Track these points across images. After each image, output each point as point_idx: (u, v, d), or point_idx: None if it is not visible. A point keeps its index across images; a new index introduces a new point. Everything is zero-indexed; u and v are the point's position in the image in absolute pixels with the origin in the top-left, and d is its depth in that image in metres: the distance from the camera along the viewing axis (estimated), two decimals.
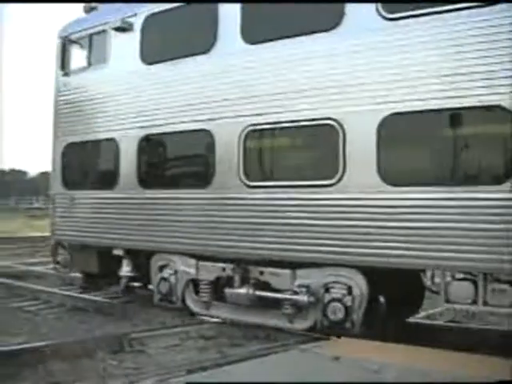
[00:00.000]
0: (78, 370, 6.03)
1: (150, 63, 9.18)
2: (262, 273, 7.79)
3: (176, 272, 8.68)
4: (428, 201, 6.41)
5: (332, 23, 7.21)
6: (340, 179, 7.00)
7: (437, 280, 6.95)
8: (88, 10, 10.93)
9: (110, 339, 7.11)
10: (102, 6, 10.75)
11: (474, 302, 6.26)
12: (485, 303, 6.20)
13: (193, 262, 8.46)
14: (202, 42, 8.52)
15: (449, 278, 6.46)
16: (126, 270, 9.45)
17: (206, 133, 8.31)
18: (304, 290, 7.26)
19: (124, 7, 9.72)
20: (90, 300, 9.90)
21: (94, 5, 10.90)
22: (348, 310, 6.99)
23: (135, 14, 9.42)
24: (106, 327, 8.32)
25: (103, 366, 6.12)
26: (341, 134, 6.99)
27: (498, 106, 5.98)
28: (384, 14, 6.82)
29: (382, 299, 7.42)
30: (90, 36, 10.27)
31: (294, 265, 7.47)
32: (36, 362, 6.10)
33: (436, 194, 6.37)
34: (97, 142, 10.11)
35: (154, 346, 7.00)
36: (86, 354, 6.54)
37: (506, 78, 5.94)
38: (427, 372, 5.30)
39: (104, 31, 9.91)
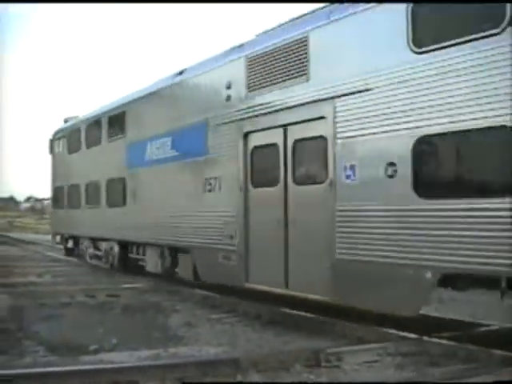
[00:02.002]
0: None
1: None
2: None
3: None
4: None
5: None
6: None
7: None
8: (66, 121, 20.99)
9: (306, 353, 7.00)
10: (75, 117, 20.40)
11: None
12: None
13: None
14: None
15: None
16: None
17: None
18: None
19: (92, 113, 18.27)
20: (287, 314, 9.92)
21: (69, 117, 20.93)
22: None
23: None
24: (302, 341, 8.23)
25: (299, 381, 6.02)
26: None
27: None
28: None
29: None
30: (66, 135, 20.27)
31: None
32: (233, 373, 6.19)
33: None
34: (72, 185, 19.33)
35: (350, 362, 6.74)
36: (282, 367, 6.51)
37: None
38: None
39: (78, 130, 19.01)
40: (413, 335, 7.76)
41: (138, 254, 14.88)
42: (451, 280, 7.24)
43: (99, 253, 17.37)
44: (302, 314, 9.67)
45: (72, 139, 19.40)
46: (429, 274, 7.24)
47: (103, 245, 16.97)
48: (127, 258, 15.49)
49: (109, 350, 7.68)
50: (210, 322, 9.75)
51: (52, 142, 21.59)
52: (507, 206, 6.43)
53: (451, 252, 6.95)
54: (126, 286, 13.44)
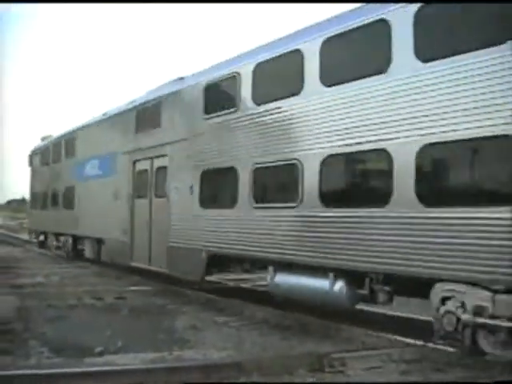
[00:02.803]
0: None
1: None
2: None
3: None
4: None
5: None
6: None
7: None
8: (42, 139, 25.88)
9: (310, 357, 6.99)
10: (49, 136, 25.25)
11: None
12: None
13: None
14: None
15: None
16: None
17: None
18: None
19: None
20: (292, 318, 9.93)
21: (45, 136, 25.47)
22: None
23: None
24: (307, 345, 8.21)
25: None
26: None
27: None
28: None
29: None
30: (40, 152, 25.33)
31: None
32: (236, 376, 6.19)
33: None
34: (43, 192, 24.75)
35: (354, 367, 6.72)
36: (286, 371, 6.50)
37: None
38: None
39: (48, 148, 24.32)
40: (418, 342, 7.74)
41: (82, 245, 19.95)
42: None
43: (60, 244, 22.41)
44: (309, 318, 9.69)
45: (43, 155, 25.00)
46: (203, 254, 11.96)
47: (62, 238, 22.14)
48: (77, 248, 20.71)
49: (114, 352, 7.70)
50: (215, 325, 9.76)
51: (30, 156, 27.06)
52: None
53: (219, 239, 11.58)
54: (133, 288, 13.51)
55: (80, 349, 7.68)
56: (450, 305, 7.26)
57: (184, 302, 12.04)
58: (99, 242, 17.86)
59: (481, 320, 6.91)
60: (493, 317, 6.80)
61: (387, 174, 8.11)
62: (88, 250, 19.00)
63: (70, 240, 21.07)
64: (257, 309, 10.85)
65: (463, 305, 7.12)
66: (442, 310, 7.34)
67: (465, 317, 7.06)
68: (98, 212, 17.62)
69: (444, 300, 7.37)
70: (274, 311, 10.47)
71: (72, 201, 20.45)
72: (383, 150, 8.20)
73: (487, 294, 6.84)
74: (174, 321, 10.03)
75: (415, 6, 7.90)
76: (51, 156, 23.73)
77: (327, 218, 9.06)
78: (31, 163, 26.93)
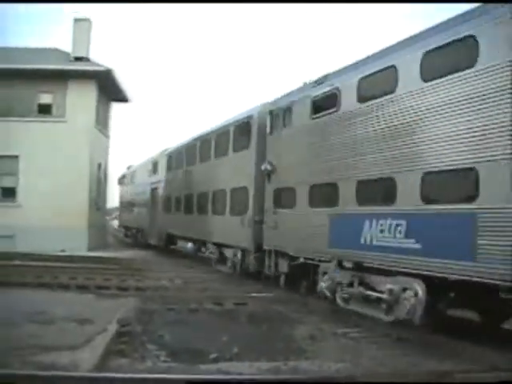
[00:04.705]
0: None
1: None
2: None
3: None
4: None
5: None
6: None
7: None
8: (128, 168, 42.24)
9: (430, 376, 6.40)
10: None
11: None
12: None
13: None
14: None
15: None
16: None
17: None
18: None
19: None
20: (415, 332, 9.29)
21: (130, 165, 41.33)
22: None
23: None
24: (430, 363, 7.63)
25: None
26: None
27: None
28: None
29: None
30: (125, 177, 42.03)
31: None
32: None
33: None
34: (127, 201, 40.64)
35: None
36: None
37: None
38: None
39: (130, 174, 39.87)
40: None
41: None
42: None
43: (137, 234, 33.72)
44: (435, 335, 9.02)
45: (126, 179, 40.34)
46: None
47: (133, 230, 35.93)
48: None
49: (229, 360, 7.65)
50: (334, 337, 9.45)
51: (119, 179, 42.49)
52: None
53: None
54: (255, 294, 13.46)
55: (195, 354, 7.71)
56: None
57: (306, 311, 11.79)
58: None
59: None
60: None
61: None
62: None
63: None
64: (377, 321, 10.29)
65: None
66: None
67: None
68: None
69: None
70: (397, 324, 9.86)
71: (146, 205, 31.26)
72: None
73: None
74: (292, 330, 9.84)
75: None
76: (130, 179, 38.15)
77: None
78: (120, 183, 42.45)
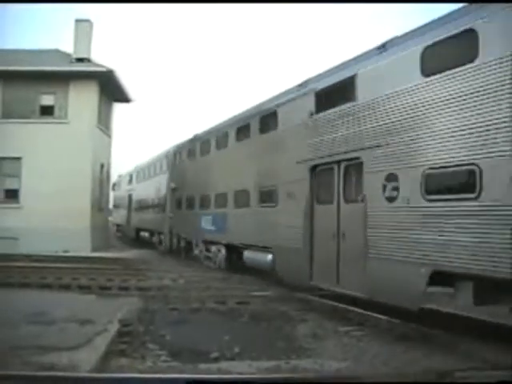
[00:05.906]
0: None
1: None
2: None
3: None
4: None
5: None
6: None
7: None
8: (120, 176, 45.70)
9: (430, 375, 6.37)
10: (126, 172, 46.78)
11: None
12: None
13: None
14: None
15: None
16: None
17: None
18: None
19: None
20: (417, 329, 9.25)
21: (121, 174, 44.42)
22: None
23: None
24: (431, 360, 7.60)
25: None
26: None
27: None
28: None
29: None
30: (120, 181, 45.12)
31: None
32: None
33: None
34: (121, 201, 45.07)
35: None
36: None
37: None
38: None
39: (126, 178, 43.48)
40: None
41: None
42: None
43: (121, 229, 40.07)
44: (437, 331, 8.97)
45: (121, 183, 42.13)
46: None
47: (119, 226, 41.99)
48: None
49: (230, 359, 7.63)
50: (336, 335, 9.41)
51: (113, 185, 40.91)
52: None
53: None
54: (256, 293, 13.42)
55: (197, 353, 7.69)
56: None
57: (307, 309, 11.74)
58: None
59: None
60: None
61: None
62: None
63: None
64: (381, 318, 10.24)
65: None
66: None
67: None
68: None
69: None
70: (399, 322, 9.81)
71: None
72: None
73: None
74: (294, 328, 9.82)
75: None
76: (126, 183, 40.01)
77: None
78: (114, 188, 41.87)
